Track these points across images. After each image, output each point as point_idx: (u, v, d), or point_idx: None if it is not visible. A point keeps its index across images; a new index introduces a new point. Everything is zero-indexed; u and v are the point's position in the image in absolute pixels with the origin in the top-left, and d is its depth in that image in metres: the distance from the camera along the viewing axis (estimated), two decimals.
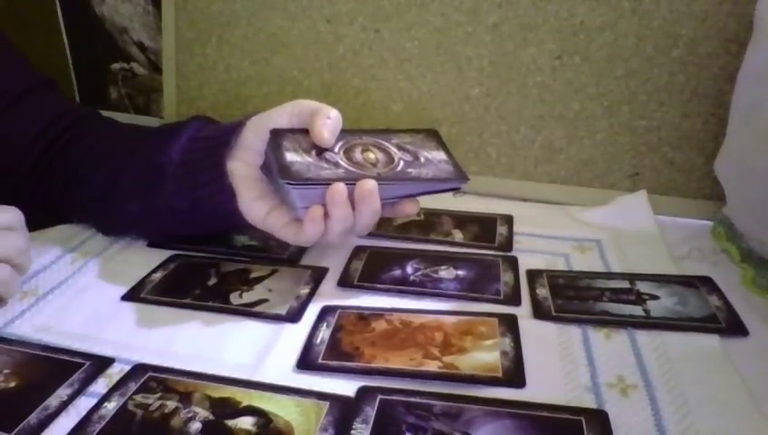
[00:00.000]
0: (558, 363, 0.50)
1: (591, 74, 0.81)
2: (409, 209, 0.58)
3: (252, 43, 0.92)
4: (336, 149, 0.56)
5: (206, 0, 0.92)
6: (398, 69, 0.88)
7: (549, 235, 0.73)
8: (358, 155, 0.56)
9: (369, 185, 0.53)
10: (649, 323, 0.55)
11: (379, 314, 0.56)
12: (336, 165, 0.54)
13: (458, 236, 0.72)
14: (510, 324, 0.54)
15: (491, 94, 0.85)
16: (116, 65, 1.04)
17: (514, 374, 0.48)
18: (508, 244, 0.70)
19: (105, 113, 0.78)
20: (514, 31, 0.82)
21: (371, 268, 0.64)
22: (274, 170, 0.54)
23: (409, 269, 0.64)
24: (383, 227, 0.72)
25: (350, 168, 0.55)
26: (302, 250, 0.68)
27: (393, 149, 0.58)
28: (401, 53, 0.87)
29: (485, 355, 0.51)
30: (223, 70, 0.95)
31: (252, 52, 0.93)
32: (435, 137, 0.62)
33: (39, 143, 0.67)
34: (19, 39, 0.73)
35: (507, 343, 0.52)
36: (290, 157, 0.54)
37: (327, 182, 0.52)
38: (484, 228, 0.74)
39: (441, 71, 0.86)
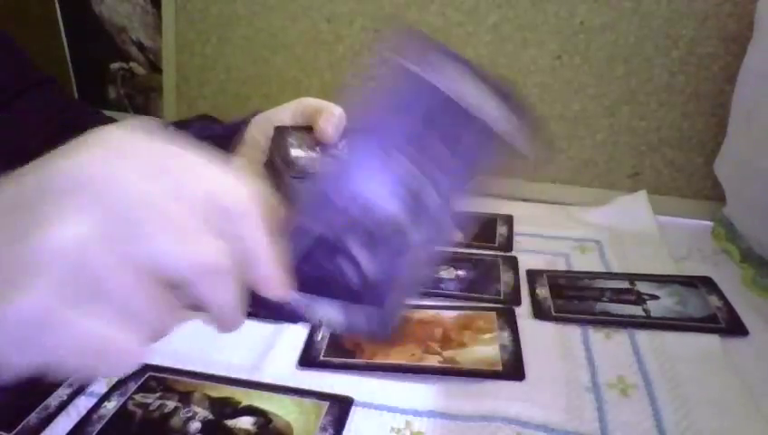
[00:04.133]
0: (558, 363, 0.50)
1: (591, 74, 0.81)
2: None
3: (252, 43, 0.92)
4: (340, 147, 0.56)
5: (205, 0, 0.92)
6: None
7: (549, 235, 0.73)
8: None
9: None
10: (649, 324, 0.55)
11: None
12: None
13: (458, 235, 0.72)
14: (507, 318, 0.55)
15: None
16: (115, 65, 1.04)
17: (514, 368, 0.49)
18: (508, 244, 0.70)
19: (105, 113, 0.78)
20: (514, 31, 0.82)
21: None
22: (280, 166, 0.53)
23: None
24: None
25: None
26: None
27: None
28: None
29: (485, 349, 0.51)
30: (223, 70, 0.95)
31: (252, 52, 0.93)
32: None
33: (40, 136, 0.67)
34: (19, 39, 0.72)
35: (506, 336, 0.52)
36: (295, 152, 0.54)
37: None
38: (485, 228, 0.74)
39: None
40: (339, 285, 0.30)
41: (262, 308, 0.29)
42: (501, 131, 0.30)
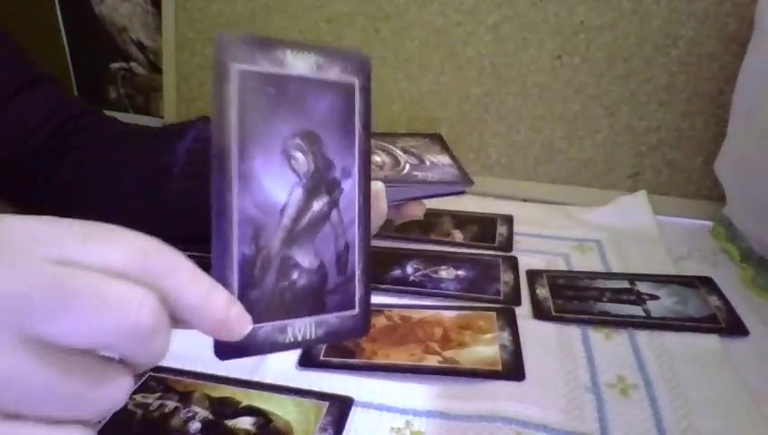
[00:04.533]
0: (558, 363, 0.50)
1: (591, 74, 0.81)
2: (415, 211, 0.58)
3: None
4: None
5: (205, 0, 0.92)
6: (398, 69, 0.87)
7: (549, 235, 0.73)
8: None
9: (377, 187, 0.53)
10: (649, 324, 0.55)
11: (378, 310, 0.56)
12: None
13: (458, 236, 0.72)
14: (508, 318, 0.55)
15: (491, 94, 0.85)
16: (115, 65, 1.04)
17: (514, 368, 0.49)
18: (508, 244, 0.70)
19: (105, 113, 0.78)
20: (514, 31, 0.82)
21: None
22: None
23: (409, 269, 0.64)
24: (383, 227, 0.72)
25: None
26: None
27: (399, 153, 0.59)
28: (401, 52, 0.87)
29: (485, 349, 0.51)
30: None
31: None
32: (439, 141, 0.63)
33: (39, 134, 0.67)
34: (19, 39, 0.73)
35: (506, 336, 0.52)
36: None
37: None
38: (484, 228, 0.74)
39: (441, 71, 0.86)
40: (300, 298, 0.29)
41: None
42: (344, 81, 0.31)
